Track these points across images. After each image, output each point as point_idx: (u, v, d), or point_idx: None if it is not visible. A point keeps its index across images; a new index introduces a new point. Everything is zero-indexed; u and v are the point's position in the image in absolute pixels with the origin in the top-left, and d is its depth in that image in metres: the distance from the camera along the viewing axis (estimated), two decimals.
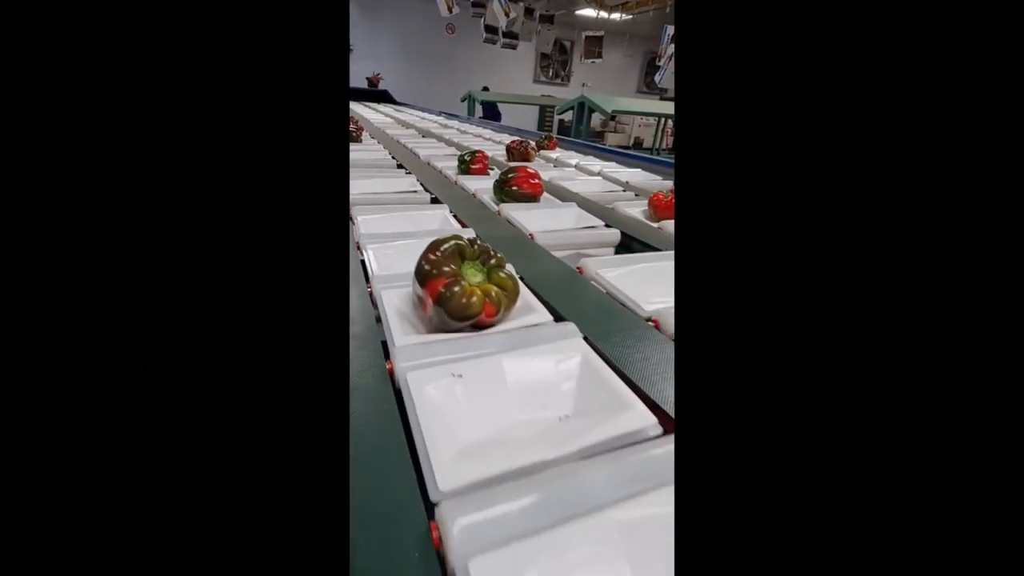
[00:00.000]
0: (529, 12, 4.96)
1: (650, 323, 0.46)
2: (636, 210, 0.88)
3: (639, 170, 1.34)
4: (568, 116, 5.51)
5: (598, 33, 5.99)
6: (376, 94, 5.01)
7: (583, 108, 4.45)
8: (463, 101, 5.65)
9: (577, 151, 1.70)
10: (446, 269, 0.40)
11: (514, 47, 5.08)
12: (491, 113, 5.82)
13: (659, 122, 6.10)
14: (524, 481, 0.25)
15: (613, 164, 1.42)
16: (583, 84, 7.94)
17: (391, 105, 4.36)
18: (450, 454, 0.28)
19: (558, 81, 8.30)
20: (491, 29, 4.83)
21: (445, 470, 0.26)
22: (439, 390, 0.33)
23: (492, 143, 1.74)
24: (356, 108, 3.26)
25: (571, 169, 1.31)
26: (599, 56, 6.00)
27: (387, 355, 0.38)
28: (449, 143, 1.67)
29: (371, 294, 0.48)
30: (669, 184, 1.19)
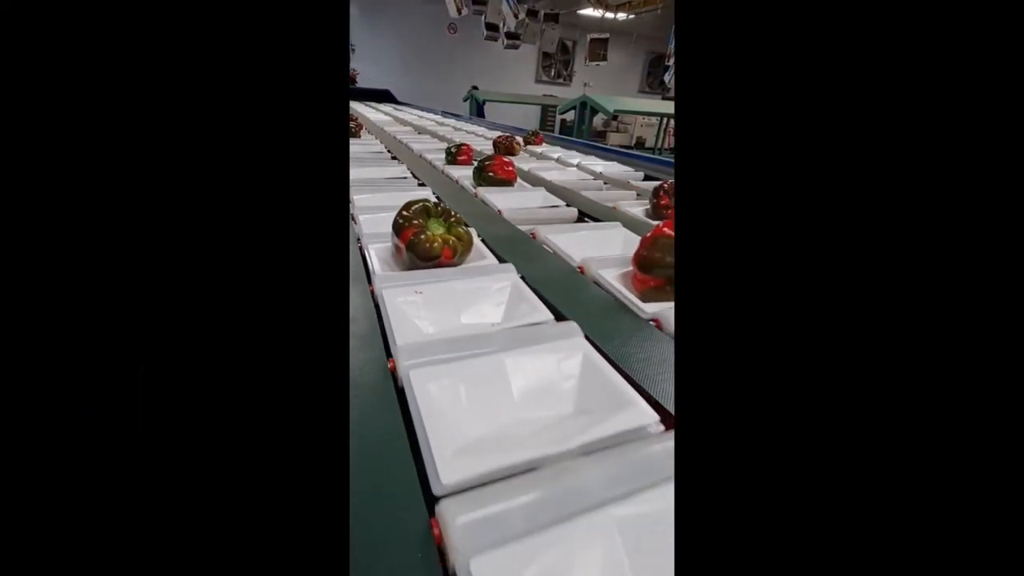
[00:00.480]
0: (533, 14, 4.91)
1: (578, 270, 0.60)
2: (600, 195, 1.02)
3: (616, 163, 1.48)
4: (570, 116, 5.55)
5: (603, 35, 6.00)
6: (378, 94, 5.13)
7: (585, 108, 4.55)
8: (465, 101, 5.73)
9: (563, 147, 1.84)
10: (415, 222, 0.54)
11: (516, 47, 5.07)
12: (475, 110, 5.96)
13: (661, 122, 6.21)
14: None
15: (593, 158, 1.56)
16: (585, 84, 8.05)
17: (392, 105, 4.50)
18: (411, 338, 0.41)
19: (560, 81, 8.41)
20: (492, 27, 4.83)
21: (405, 338, 0.40)
22: (407, 304, 0.47)
23: (483, 139, 1.89)
24: (358, 108, 3.41)
25: (552, 161, 1.45)
26: (604, 59, 6.01)
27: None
28: (443, 139, 1.82)
29: (361, 249, 0.63)
30: (640, 175, 1.33)
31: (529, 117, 7.40)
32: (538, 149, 1.70)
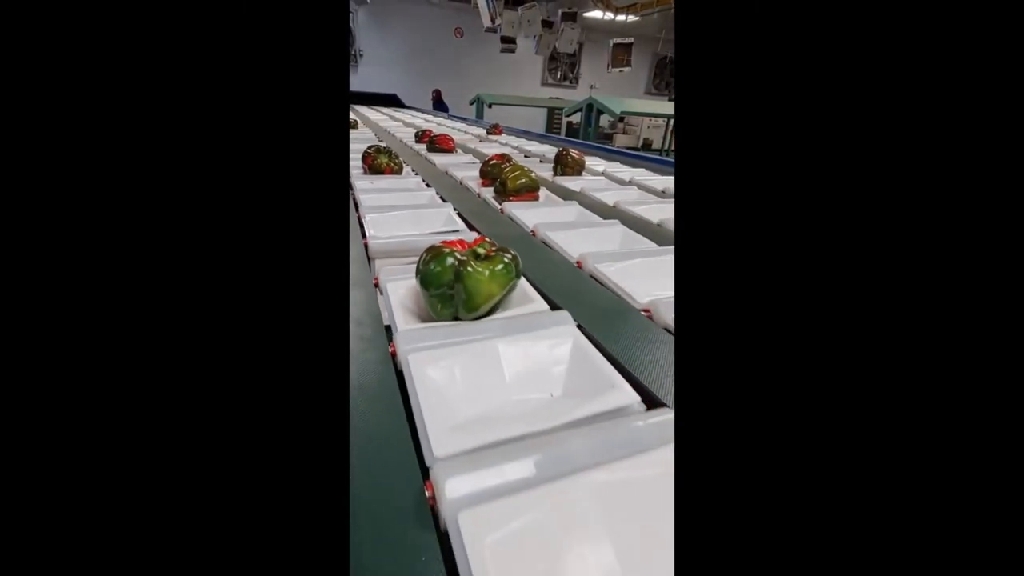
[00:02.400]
0: (548, 24, 5.17)
1: (459, 182, 1.23)
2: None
3: (548, 146, 2.12)
4: (576, 118, 5.64)
5: (627, 40, 6.04)
6: (386, 98, 5.70)
7: (591, 110, 4.83)
8: (472, 104, 6.16)
9: (515, 136, 2.49)
10: (372, 155, 1.19)
11: (512, 51, 5.45)
12: (441, 107, 6.57)
13: (668, 123, 6.67)
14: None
15: (534, 143, 2.20)
16: (591, 86, 8.62)
17: (395, 108, 5.20)
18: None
19: (566, 83, 8.94)
20: (494, 19, 5.04)
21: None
22: (386, 224, 1.11)
23: (453, 130, 2.55)
24: (362, 110, 4.12)
25: (496, 143, 2.10)
26: (628, 64, 6.06)
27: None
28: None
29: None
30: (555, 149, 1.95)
31: (536, 120, 7.91)
32: (494, 137, 2.36)
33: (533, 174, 1.03)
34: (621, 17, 7.38)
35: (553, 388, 0.44)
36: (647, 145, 8.34)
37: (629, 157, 1.95)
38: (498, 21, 4.83)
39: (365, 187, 1.06)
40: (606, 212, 0.98)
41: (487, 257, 0.49)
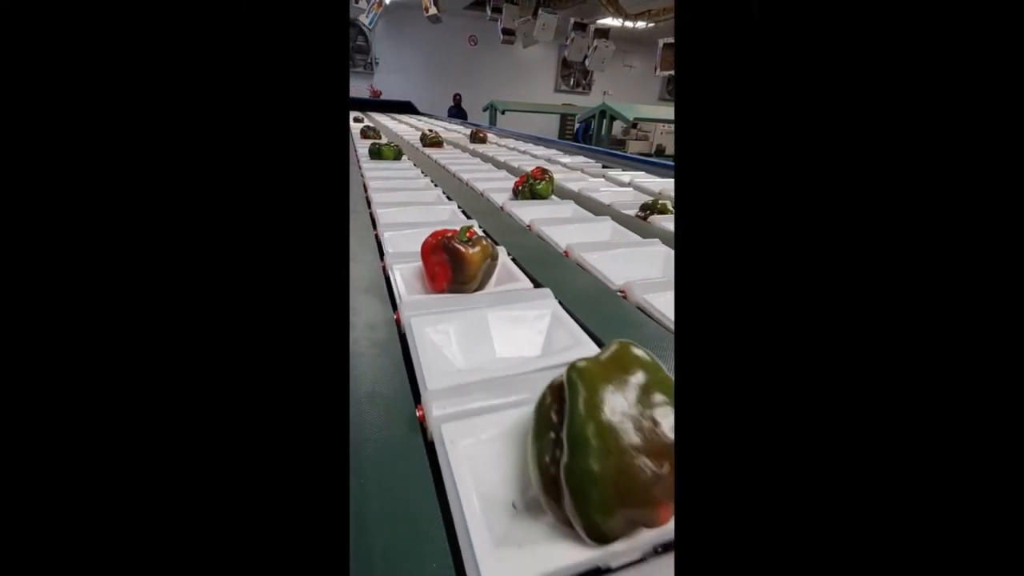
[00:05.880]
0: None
1: (411, 145, 2.60)
2: (460, 139, 3.01)
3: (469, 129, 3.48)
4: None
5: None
6: (400, 105, 6.54)
7: (604, 116, 5.62)
8: (485, 111, 7.11)
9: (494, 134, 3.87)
10: (365, 130, 2.59)
11: (511, 43, 6.07)
12: (459, 113, 7.67)
13: None
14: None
15: (468, 127, 3.54)
16: (604, 92, 9.44)
17: (401, 113, 6.20)
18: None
19: (579, 90, 9.95)
20: (496, 9, 5.60)
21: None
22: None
23: (443, 129, 3.94)
24: (374, 115, 5.47)
25: (453, 131, 3.47)
26: None
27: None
28: (419, 129, 3.87)
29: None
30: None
31: (548, 126, 8.66)
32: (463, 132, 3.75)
33: (441, 136, 2.40)
34: (630, 24, 8.32)
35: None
36: (660, 151, 8.64)
37: (611, 156, 2.59)
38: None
39: (359, 144, 2.45)
40: (494, 163, 2.31)
41: (389, 145, 1.87)
